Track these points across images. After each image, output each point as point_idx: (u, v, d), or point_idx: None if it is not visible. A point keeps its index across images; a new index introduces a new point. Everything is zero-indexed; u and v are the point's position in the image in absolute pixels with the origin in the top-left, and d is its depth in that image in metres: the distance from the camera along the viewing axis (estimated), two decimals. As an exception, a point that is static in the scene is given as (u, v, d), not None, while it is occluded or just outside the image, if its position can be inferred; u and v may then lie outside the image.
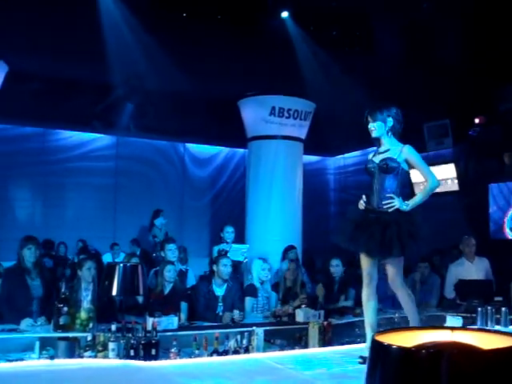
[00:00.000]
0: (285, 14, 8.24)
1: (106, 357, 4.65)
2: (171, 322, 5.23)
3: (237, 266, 7.14)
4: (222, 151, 12.54)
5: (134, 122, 10.49)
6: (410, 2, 7.84)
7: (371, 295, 4.28)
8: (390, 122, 4.24)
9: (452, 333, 1.75)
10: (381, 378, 1.41)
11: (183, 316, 5.73)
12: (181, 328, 5.32)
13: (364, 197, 4.24)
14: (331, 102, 9.19)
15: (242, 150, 12.18)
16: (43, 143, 11.12)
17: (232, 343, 5.32)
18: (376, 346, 1.45)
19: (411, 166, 4.25)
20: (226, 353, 5.09)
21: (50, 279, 5.88)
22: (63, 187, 11.16)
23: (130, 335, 4.75)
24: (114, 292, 4.98)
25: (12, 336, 4.95)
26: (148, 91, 9.40)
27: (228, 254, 6.84)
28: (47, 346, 4.89)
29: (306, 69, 8.62)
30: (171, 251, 6.67)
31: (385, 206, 4.12)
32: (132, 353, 4.69)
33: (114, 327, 4.73)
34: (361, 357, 4.01)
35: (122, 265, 5.09)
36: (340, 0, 7.89)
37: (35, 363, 3.95)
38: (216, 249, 7.36)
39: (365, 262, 4.25)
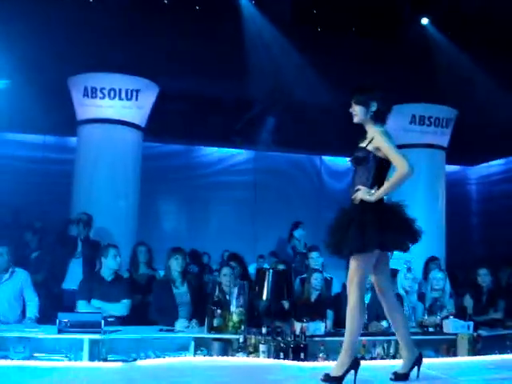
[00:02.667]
0: (425, 21, 8.13)
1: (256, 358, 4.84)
2: (318, 327, 5.31)
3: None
4: (359, 163, 12.48)
5: (273, 136, 10.77)
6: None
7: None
8: (374, 106, 3.70)
9: None
10: None
11: (329, 323, 5.78)
12: (328, 334, 5.39)
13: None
14: (474, 108, 8.89)
15: (378, 161, 12.06)
16: (188, 159, 11.75)
17: (379, 351, 5.32)
18: None
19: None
20: (372, 360, 5.09)
21: (196, 285, 6.21)
22: (206, 201, 11.68)
23: (280, 338, 4.91)
24: (264, 296, 5.16)
25: (170, 335, 5.27)
26: (288, 105, 9.63)
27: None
28: (201, 347, 5.18)
29: (447, 75, 8.42)
30: (313, 259, 6.77)
31: (354, 201, 3.63)
32: (281, 355, 4.84)
33: (264, 330, 4.92)
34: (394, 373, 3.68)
35: (272, 270, 5.26)
36: (483, 2, 7.67)
37: (197, 359, 4.19)
38: None
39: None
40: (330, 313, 5.89)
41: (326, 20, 8.99)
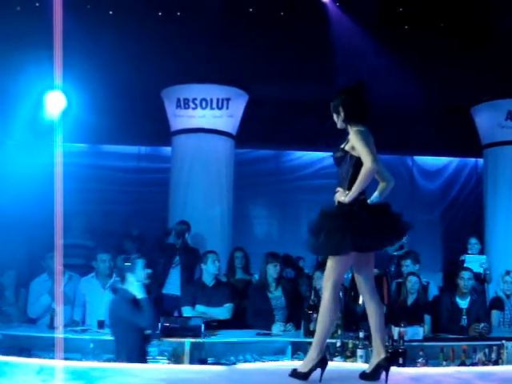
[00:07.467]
0: (518, 12, 7.84)
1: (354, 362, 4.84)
2: (417, 332, 5.24)
3: (479, 278, 6.91)
4: (452, 162, 12.15)
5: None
6: None
7: None
8: (342, 111, 3.83)
9: None
10: None
11: (427, 328, 5.70)
12: (427, 339, 5.31)
13: None
14: None
15: (472, 160, 11.71)
16: (277, 164, 11.84)
17: (480, 356, 5.18)
18: None
19: None
20: (474, 366, 4.97)
21: (291, 290, 6.29)
22: (297, 204, 11.71)
23: (378, 343, 4.85)
24: (361, 301, 5.13)
25: (267, 339, 5.37)
26: (376, 105, 9.52)
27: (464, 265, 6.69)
28: (298, 351, 5.24)
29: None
30: (408, 267, 6.64)
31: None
32: (380, 360, 4.78)
33: (361, 334, 4.91)
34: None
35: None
36: None
37: (296, 363, 4.23)
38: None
39: None
40: (427, 317, 5.82)
41: (413, 17, 8.83)
